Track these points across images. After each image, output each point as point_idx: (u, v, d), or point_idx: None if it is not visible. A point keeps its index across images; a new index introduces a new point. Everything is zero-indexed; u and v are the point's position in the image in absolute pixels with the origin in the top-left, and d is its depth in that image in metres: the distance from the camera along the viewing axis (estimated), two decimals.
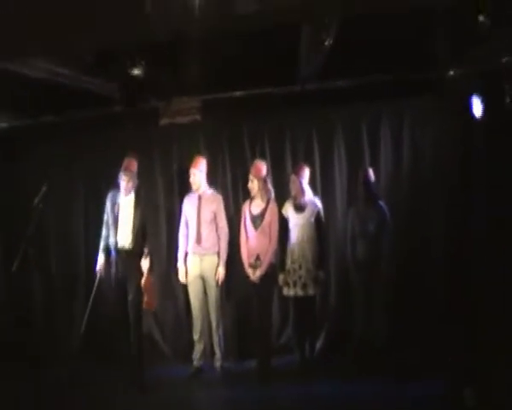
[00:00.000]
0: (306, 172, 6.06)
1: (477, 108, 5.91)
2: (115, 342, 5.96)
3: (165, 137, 6.77)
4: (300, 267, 5.89)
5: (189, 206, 6.30)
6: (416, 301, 6.16)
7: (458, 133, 6.26)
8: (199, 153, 6.52)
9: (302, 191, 5.96)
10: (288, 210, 6.03)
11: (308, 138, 6.63)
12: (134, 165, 5.86)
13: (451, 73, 6.15)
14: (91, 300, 5.81)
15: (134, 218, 5.82)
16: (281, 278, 5.95)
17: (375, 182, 5.99)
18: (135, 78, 5.68)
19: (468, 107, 5.96)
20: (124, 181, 5.81)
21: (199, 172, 6.22)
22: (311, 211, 5.97)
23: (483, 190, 5.99)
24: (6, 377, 5.96)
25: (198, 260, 6.21)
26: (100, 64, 5.62)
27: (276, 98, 6.37)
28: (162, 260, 6.61)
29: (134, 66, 5.56)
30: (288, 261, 5.93)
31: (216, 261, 6.18)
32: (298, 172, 6.03)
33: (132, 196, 5.88)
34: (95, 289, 5.81)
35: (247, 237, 6.03)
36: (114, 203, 5.86)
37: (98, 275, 5.85)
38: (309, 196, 6.01)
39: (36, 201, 5.57)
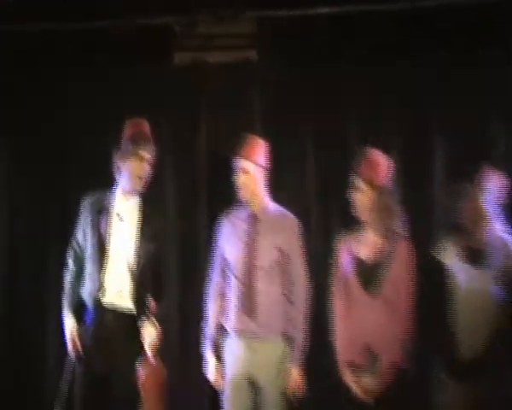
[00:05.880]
0: (496, 181, 3.88)
1: None
2: None
3: (184, 89, 4.39)
4: None
5: (231, 234, 4.09)
6: None
7: None
8: (252, 128, 4.29)
9: (486, 221, 3.91)
10: (454, 257, 3.93)
11: None
12: (147, 129, 3.79)
13: None
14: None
15: (139, 246, 3.75)
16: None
17: None
18: None
19: None
20: (132, 165, 3.68)
21: (256, 169, 4.05)
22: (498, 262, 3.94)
23: None
24: None
25: (246, 348, 3.98)
26: None
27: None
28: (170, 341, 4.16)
29: None
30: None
31: (282, 352, 3.92)
32: (480, 181, 3.89)
33: (137, 201, 3.78)
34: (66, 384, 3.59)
35: (348, 308, 3.91)
36: (101, 217, 3.80)
37: (73, 359, 3.75)
38: (496, 230, 3.89)
39: None
